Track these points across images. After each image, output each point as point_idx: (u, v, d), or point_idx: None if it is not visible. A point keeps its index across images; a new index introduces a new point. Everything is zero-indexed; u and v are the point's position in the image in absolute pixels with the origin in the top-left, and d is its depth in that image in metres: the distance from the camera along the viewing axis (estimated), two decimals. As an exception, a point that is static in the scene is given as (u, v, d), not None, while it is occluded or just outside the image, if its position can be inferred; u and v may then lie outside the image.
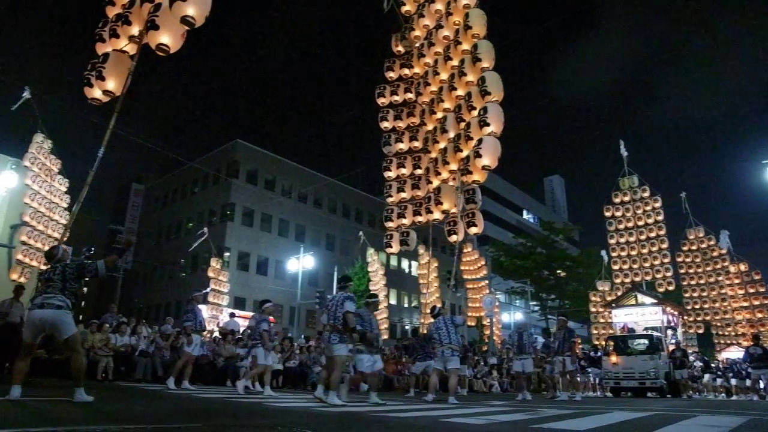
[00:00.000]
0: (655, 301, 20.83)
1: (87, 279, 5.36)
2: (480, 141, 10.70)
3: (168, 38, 7.01)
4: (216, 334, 15.26)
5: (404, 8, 14.16)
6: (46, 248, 15.00)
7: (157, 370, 10.41)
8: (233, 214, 34.32)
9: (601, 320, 23.40)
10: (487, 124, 10.56)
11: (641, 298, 21.10)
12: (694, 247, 25.58)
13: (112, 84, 7.40)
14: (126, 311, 24.27)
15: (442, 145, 12.45)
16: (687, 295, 25.66)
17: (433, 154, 12.95)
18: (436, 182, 12.74)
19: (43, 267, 14.55)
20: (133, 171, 42.12)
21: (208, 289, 20.25)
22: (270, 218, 36.50)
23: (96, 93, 7.48)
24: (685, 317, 24.07)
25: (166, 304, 35.04)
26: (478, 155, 10.61)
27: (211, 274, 21.99)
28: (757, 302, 24.08)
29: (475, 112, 11.11)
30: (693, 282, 25.57)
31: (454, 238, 12.34)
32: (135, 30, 7.38)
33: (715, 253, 25.05)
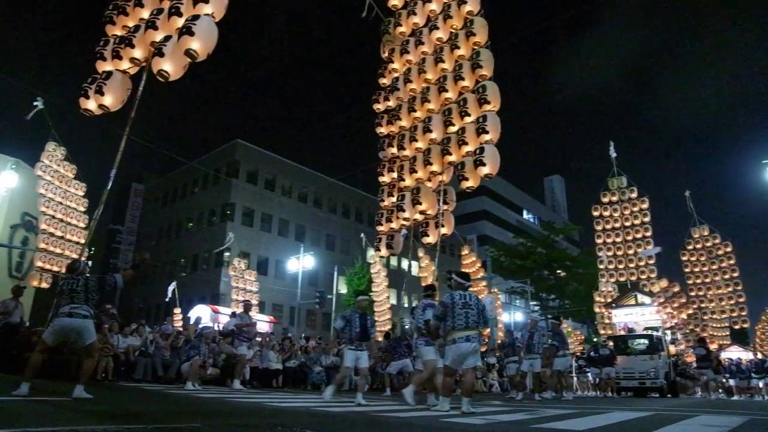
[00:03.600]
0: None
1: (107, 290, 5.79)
2: (482, 150, 10.84)
3: (170, 66, 7.47)
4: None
5: (391, 1, 13.98)
6: (66, 252, 15.33)
7: (157, 370, 10.40)
8: (233, 214, 34.32)
9: (606, 320, 23.45)
10: (486, 132, 10.78)
11: (641, 298, 21.10)
12: (699, 246, 25.66)
13: (110, 100, 7.82)
14: (126, 311, 24.30)
15: (420, 144, 12.43)
16: (692, 293, 25.73)
17: (408, 153, 12.85)
18: (409, 182, 12.69)
19: (58, 270, 14.81)
20: (133, 171, 42.05)
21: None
22: (270, 218, 36.50)
23: (90, 105, 7.88)
24: (684, 317, 24.06)
25: (166, 304, 35.04)
26: (481, 163, 10.80)
27: (232, 272, 22.26)
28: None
29: (468, 119, 11.27)
30: (698, 281, 25.66)
31: (427, 240, 12.44)
32: (138, 53, 7.85)
33: (720, 252, 25.16)
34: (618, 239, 23.23)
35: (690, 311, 24.37)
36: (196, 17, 7.34)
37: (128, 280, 5.87)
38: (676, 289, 22.91)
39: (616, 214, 23.40)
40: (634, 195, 23.29)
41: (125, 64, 8.00)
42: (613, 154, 23.71)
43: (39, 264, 14.95)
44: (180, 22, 7.46)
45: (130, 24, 8.22)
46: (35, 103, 13.79)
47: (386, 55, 14.18)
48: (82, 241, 16.23)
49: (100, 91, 7.76)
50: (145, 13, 8.09)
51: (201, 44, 7.28)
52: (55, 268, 15.16)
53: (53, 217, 15.33)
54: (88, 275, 5.68)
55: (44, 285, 14.82)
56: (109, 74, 7.95)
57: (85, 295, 5.39)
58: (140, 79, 8.09)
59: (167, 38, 7.53)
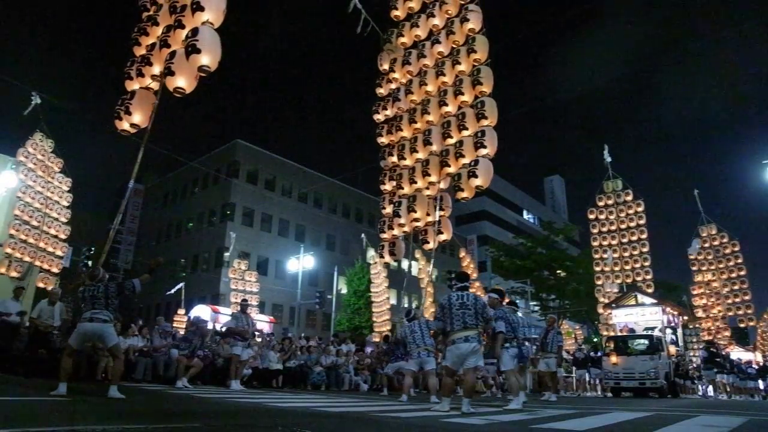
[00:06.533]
0: (655, 301, 20.81)
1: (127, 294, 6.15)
2: (476, 162, 11.19)
3: (183, 82, 7.87)
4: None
5: (394, 12, 14.10)
6: (41, 244, 15.13)
7: (157, 370, 10.40)
8: (233, 214, 34.33)
9: (610, 321, 23.44)
10: (484, 146, 11.09)
11: (641, 298, 21.07)
12: (706, 245, 25.69)
13: (138, 117, 8.32)
14: (126, 311, 24.29)
15: (421, 155, 12.63)
16: (699, 291, 25.74)
17: (409, 162, 13.04)
18: (408, 190, 12.89)
19: (30, 261, 14.60)
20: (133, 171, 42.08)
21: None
22: (270, 218, 36.51)
23: (125, 125, 8.38)
24: (686, 317, 24.04)
25: (167, 304, 35.07)
26: (474, 175, 11.11)
27: (231, 275, 22.17)
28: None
29: (466, 132, 11.61)
30: (706, 278, 25.66)
31: (428, 246, 12.65)
32: (156, 70, 8.26)
33: (727, 251, 25.20)
34: (614, 242, 23.31)
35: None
36: (195, 31, 7.55)
37: (145, 283, 6.22)
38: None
39: (612, 217, 23.49)
40: (630, 198, 23.36)
41: (147, 81, 8.44)
42: (608, 159, 23.77)
43: (8, 251, 14.33)
44: (184, 34, 7.72)
45: (150, 42, 8.67)
46: (32, 99, 13.73)
47: (386, 66, 14.23)
48: (62, 236, 16.01)
49: (128, 111, 8.26)
50: (160, 31, 8.52)
51: (210, 57, 7.54)
52: (27, 258, 14.58)
53: (29, 204, 14.98)
54: (107, 282, 6.01)
55: (13, 273, 14.28)
56: (133, 93, 8.41)
57: (106, 301, 5.80)
58: (159, 93, 8.49)
59: (173, 55, 7.82)
